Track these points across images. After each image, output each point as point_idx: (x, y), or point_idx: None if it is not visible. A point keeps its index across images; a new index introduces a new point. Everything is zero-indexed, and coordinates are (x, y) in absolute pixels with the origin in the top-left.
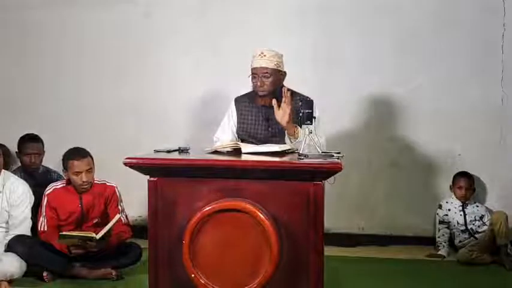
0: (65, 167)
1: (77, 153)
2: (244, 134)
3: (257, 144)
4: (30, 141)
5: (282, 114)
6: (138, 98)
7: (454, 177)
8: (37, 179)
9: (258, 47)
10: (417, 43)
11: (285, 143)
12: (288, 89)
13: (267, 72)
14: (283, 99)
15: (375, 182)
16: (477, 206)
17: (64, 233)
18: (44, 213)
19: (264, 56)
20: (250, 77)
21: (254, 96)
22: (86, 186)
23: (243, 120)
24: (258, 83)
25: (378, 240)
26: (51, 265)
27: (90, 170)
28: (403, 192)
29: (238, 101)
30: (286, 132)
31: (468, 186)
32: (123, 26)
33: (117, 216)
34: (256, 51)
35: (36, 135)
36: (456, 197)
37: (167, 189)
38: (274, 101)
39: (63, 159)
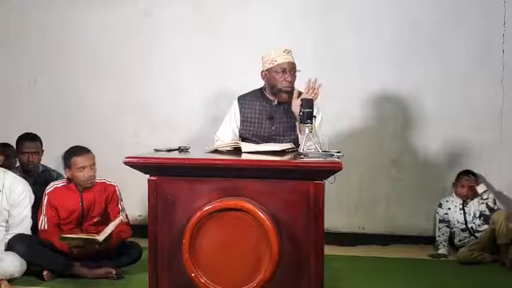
0: (67, 165)
1: (79, 150)
2: (247, 133)
3: (260, 143)
4: (28, 141)
5: (295, 106)
6: (139, 97)
7: (458, 175)
8: (36, 178)
9: (258, 46)
10: (417, 43)
11: (288, 142)
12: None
13: (293, 68)
14: (306, 91)
15: (375, 182)
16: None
17: (65, 235)
18: (44, 212)
19: (289, 52)
20: (269, 73)
21: (260, 95)
22: (91, 181)
23: (246, 119)
24: (289, 78)
25: (378, 240)
26: (51, 264)
27: (93, 166)
28: (403, 191)
29: (241, 99)
30: (299, 126)
31: (472, 184)
32: (124, 26)
33: (119, 218)
34: (277, 49)
35: (34, 134)
36: (458, 195)
37: (167, 189)
38: (296, 92)
39: (64, 158)
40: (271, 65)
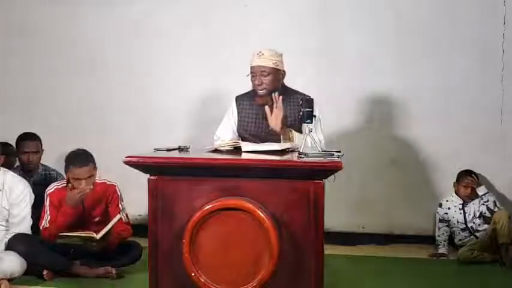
0: (66, 170)
1: (78, 160)
2: (245, 133)
3: (257, 143)
4: (28, 140)
5: (274, 120)
6: (139, 97)
7: (459, 175)
8: (36, 177)
9: (259, 46)
10: (417, 43)
11: (286, 141)
12: (288, 88)
13: (264, 71)
14: (275, 104)
15: (375, 181)
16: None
17: (64, 233)
18: (48, 212)
19: (262, 55)
20: (250, 76)
21: (254, 95)
22: (86, 192)
23: (243, 118)
24: (256, 82)
25: (378, 239)
26: (51, 264)
27: (91, 177)
28: (403, 191)
29: (239, 99)
30: (282, 137)
31: (473, 184)
32: (124, 26)
33: (118, 216)
34: (256, 50)
35: (34, 134)
36: (460, 195)
37: (167, 188)
38: (267, 108)
39: (65, 160)
40: (250, 67)
